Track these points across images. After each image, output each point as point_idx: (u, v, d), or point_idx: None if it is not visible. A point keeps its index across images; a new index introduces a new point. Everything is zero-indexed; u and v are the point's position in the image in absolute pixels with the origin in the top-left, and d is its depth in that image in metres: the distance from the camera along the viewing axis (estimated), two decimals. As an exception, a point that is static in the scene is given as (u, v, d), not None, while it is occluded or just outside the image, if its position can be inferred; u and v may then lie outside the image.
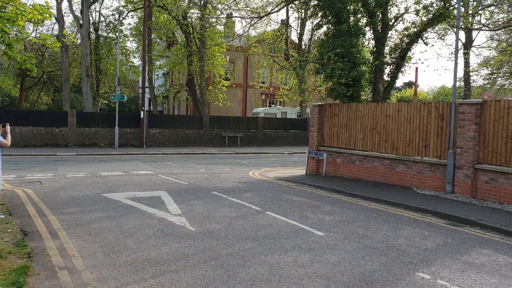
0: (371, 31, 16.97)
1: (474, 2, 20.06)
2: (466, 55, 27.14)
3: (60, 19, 29.62)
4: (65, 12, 32.34)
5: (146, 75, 28.22)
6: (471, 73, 28.87)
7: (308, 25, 32.53)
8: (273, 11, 20.38)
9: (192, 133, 28.60)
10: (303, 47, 33.84)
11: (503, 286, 5.44)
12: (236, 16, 28.02)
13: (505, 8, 17.88)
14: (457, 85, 12.39)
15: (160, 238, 7.06)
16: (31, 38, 11.79)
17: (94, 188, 11.72)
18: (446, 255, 6.60)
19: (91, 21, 32.62)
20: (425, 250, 6.81)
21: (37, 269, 5.54)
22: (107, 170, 15.59)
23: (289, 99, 36.42)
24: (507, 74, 26.31)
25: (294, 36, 37.39)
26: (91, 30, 32.55)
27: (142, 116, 26.29)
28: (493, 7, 18.12)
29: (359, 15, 16.54)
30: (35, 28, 32.84)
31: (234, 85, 41.51)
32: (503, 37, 26.13)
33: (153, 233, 7.35)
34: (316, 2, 17.54)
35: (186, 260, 6.01)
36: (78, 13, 30.97)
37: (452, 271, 5.89)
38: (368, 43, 17.55)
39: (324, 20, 16.43)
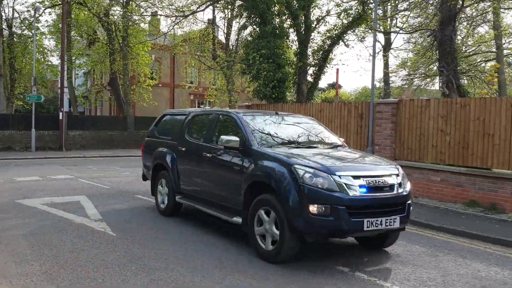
0: (295, 33, 17.35)
1: (390, 7, 21.13)
2: (385, 57, 28.51)
3: (-33, 13, 27.57)
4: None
5: (65, 75, 26.91)
6: (390, 74, 30.40)
7: (235, 25, 32.56)
8: (198, 10, 20.24)
9: (116, 135, 27.63)
10: (231, 47, 33.85)
11: None
12: (161, 15, 27.53)
13: (418, 12, 19.00)
14: (378, 86, 12.96)
15: (78, 244, 6.73)
16: None
17: (9, 194, 10.97)
18: None
19: (4, 17, 30.62)
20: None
21: None
22: (23, 175, 14.69)
23: (218, 99, 36.31)
24: (422, 75, 27.87)
25: (221, 36, 37.28)
26: (3, 26, 30.50)
27: (61, 118, 25.03)
28: (408, 12, 19.20)
29: (284, 17, 16.84)
30: None
31: (160, 85, 40.63)
32: (418, 40, 27.69)
33: (70, 239, 6.99)
34: (240, 3, 17.65)
35: (106, 266, 5.77)
36: (-12, 8, 28.92)
37: None
38: (293, 45, 17.92)
39: (249, 20, 16.58)
